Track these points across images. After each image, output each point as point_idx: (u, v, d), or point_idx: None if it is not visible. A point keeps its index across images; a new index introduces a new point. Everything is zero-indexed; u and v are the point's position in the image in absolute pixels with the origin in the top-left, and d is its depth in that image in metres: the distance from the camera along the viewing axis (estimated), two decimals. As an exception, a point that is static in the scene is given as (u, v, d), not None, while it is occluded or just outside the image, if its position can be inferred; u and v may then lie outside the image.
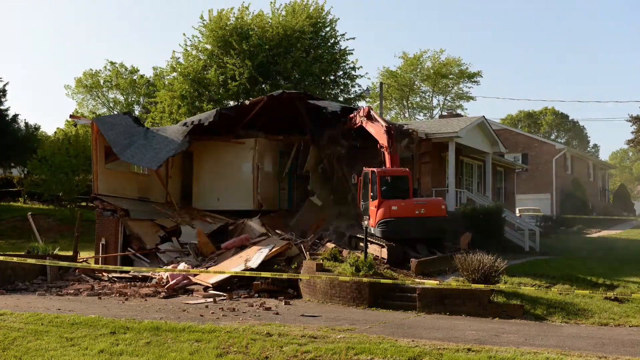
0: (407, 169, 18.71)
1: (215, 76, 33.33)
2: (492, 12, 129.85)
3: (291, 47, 33.60)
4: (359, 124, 20.57)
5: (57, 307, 13.29)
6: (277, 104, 23.99)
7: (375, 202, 17.65)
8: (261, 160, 23.77)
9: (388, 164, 18.24)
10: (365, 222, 17.98)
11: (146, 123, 32.93)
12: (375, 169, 18.03)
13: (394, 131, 18.74)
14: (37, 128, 44.52)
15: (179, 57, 36.00)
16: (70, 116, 31.69)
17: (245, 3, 35.42)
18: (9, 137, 39.77)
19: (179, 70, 35.12)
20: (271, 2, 36.32)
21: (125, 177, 23.43)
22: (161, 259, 19.83)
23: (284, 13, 36.05)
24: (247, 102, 25.50)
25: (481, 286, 13.53)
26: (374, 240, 17.50)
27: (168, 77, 36.33)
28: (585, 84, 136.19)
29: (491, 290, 13.72)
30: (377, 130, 19.24)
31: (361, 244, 17.83)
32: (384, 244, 17.07)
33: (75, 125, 46.02)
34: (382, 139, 18.69)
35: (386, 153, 18.45)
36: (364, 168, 18.86)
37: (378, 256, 17.11)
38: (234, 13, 35.23)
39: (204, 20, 35.17)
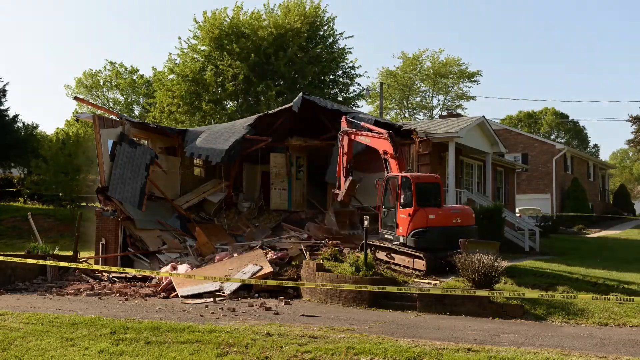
0: (438, 176, 17.98)
1: (212, 77, 33.35)
2: (492, 12, 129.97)
3: (286, 46, 33.56)
4: (347, 139, 20.01)
5: (57, 307, 13.29)
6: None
7: (409, 209, 16.59)
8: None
9: (395, 170, 17.60)
10: (385, 230, 17.43)
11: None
12: (408, 175, 17.12)
13: (394, 136, 18.15)
14: (34, 127, 44.52)
15: (175, 59, 36.08)
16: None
17: (239, 2, 35.47)
18: (9, 137, 39.79)
19: (177, 72, 35.17)
20: (264, 4, 36.38)
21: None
22: (160, 259, 19.84)
23: (279, 12, 36.06)
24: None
25: (485, 292, 13.54)
26: (403, 250, 16.81)
27: (166, 80, 36.35)
28: (585, 84, 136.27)
29: (491, 290, 13.73)
30: (374, 140, 18.63)
31: (378, 252, 17.48)
32: (417, 254, 16.37)
33: (77, 120, 46.02)
34: (385, 146, 18.02)
35: (391, 159, 17.79)
36: (386, 173, 18.01)
37: (409, 266, 16.53)
38: (228, 13, 35.28)
39: (197, 22, 35.24)
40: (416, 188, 16.61)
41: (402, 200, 16.86)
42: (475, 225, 17.38)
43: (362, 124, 19.92)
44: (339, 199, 20.40)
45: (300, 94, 23.56)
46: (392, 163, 17.74)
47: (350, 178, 19.85)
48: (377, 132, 18.65)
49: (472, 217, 17.39)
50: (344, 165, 20.00)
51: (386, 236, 17.74)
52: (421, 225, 16.41)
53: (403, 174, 17.18)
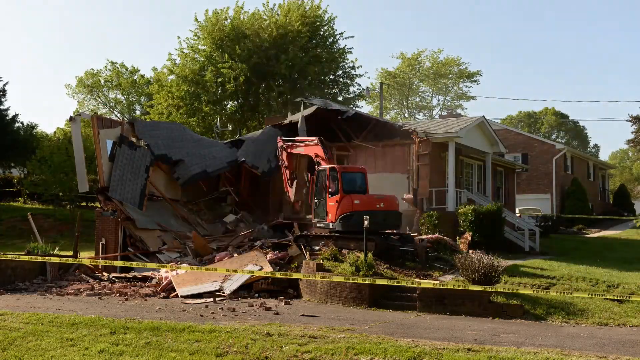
0: (364, 167, 19.69)
1: (212, 78, 33.33)
2: (491, 12, 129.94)
3: (287, 47, 33.58)
4: (286, 154, 21.21)
5: (57, 307, 13.28)
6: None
7: (337, 197, 18.06)
8: None
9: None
10: (318, 219, 18.72)
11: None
12: (335, 166, 18.66)
13: (323, 140, 19.58)
14: (33, 127, 44.46)
15: (176, 59, 36.09)
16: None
17: (240, 2, 35.49)
18: (9, 137, 39.77)
19: (176, 72, 35.15)
20: (263, 4, 36.38)
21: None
22: (160, 259, 19.84)
23: (279, 13, 36.08)
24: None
25: (479, 287, 13.53)
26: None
27: (166, 80, 36.34)
28: (585, 84, 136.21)
29: (491, 290, 13.73)
30: (307, 148, 20.03)
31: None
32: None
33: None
34: (316, 150, 19.43)
35: (322, 161, 19.11)
36: (316, 167, 19.35)
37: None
38: (229, 14, 35.30)
39: (198, 21, 35.23)
40: (342, 177, 18.14)
41: (331, 190, 18.29)
42: (398, 211, 18.78)
43: (297, 138, 21.18)
44: (292, 200, 21.56)
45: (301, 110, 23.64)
46: (323, 164, 19.13)
47: (295, 181, 21.13)
48: (309, 141, 20.11)
49: (396, 204, 18.89)
50: (288, 177, 21.36)
51: (319, 225, 19.06)
52: (348, 210, 17.71)
53: (330, 165, 18.69)
